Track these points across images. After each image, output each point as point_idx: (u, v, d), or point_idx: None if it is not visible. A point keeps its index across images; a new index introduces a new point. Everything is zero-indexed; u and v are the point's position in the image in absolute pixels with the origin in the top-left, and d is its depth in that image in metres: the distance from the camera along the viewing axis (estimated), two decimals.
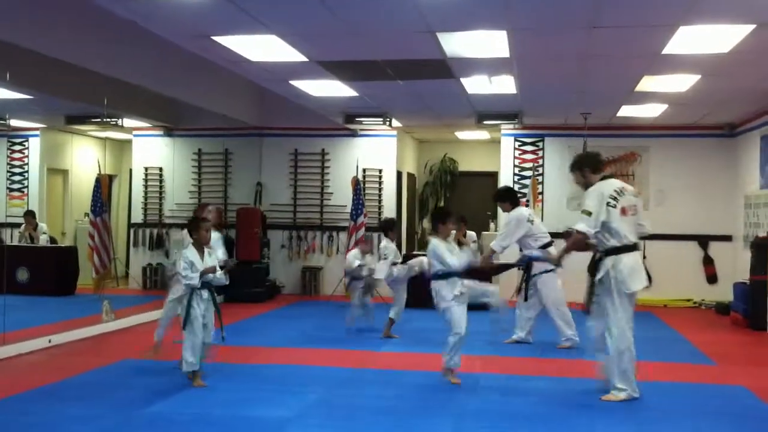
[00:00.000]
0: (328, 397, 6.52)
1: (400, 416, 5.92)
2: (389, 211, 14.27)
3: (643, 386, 6.52)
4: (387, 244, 9.48)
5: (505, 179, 14.05)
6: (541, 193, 13.42)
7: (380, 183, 14.27)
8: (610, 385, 6.46)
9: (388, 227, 9.80)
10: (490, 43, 7.75)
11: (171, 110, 13.40)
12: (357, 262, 9.81)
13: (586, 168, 6.78)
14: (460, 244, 10.94)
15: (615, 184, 6.60)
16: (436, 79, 9.67)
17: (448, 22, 7.06)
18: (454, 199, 16.55)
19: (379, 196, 14.25)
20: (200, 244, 6.89)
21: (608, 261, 6.39)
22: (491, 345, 8.88)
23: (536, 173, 13.46)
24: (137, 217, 14.67)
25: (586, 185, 6.72)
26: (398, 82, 9.90)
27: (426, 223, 14.16)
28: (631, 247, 6.44)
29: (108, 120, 12.04)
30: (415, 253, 14.42)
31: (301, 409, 6.06)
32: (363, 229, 12.98)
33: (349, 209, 13.29)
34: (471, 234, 10.94)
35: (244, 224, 13.35)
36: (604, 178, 6.69)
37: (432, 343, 9.04)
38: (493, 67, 8.94)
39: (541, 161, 13.91)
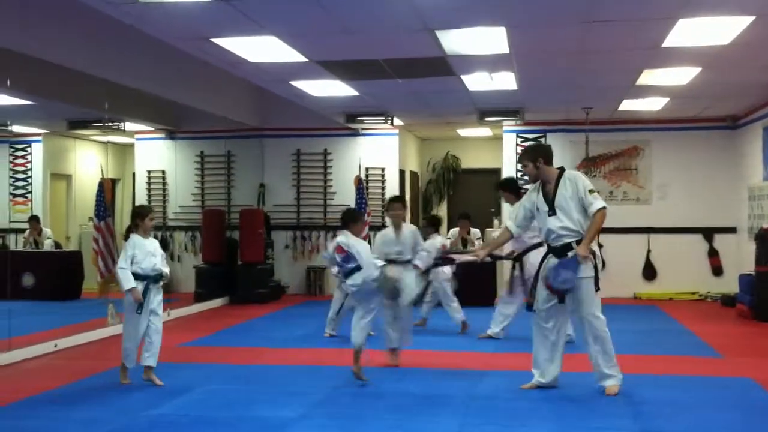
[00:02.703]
0: (332, 396, 6.52)
1: (407, 414, 5.91)
2: None
3: (648, 379, 6.54)
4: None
5: (508, 176, 14.03)
6: None
7: (383, 182, 14.27)
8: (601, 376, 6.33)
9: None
10: (489, 39, 7.75)
11: (172, 113, 13.40)
12: None
13: (541, 159, 6.37)
14: (464, 241, 11.05)
15: None
16: (437, 77, 9.66)
17: (445, 19, 7.06)
18: (458, 196, 16.56)
19: (383, 194, 14.23)
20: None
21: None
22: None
23: None
24: None
25: (537, 178, 6.39)
26: (398, 81, 9.89)
27: None
28: None
29: (110, 124, 12.08)
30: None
31: (306, 410, 6.05)
32: (367, 228, 12.94)
33: None
34: (475, 231, 10.93)
35: (248, 225, 13.34)
36: (561, 169, 6.38)
37: (437, 341, 9.07)
38: (492, 63, 8.93)
39: None
